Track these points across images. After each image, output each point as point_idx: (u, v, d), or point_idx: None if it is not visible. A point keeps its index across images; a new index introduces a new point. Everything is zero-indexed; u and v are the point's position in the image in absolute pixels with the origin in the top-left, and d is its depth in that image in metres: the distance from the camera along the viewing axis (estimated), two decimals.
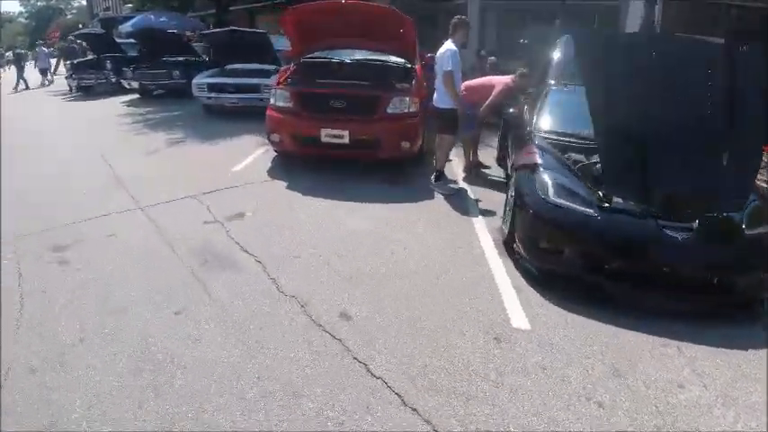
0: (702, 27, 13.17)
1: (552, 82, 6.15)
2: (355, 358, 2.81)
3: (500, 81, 6.24)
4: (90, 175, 6.17)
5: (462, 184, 6.09)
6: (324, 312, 3.22)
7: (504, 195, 5.69)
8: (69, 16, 64.82)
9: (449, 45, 5.54)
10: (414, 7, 17.66)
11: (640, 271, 3.55)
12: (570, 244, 3.69)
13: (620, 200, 3.72)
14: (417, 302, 3.42)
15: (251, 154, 7.11)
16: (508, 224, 4.36)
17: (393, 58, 7.22)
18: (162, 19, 18.10)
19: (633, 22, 13.61)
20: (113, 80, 14.25)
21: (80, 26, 30.46)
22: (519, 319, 3.30)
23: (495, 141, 7.52)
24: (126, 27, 18.31)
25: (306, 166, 6.29)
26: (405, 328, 3.13)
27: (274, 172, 6.22)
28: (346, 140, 5.81)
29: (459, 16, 5.70)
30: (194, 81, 9.92)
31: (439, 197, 5.59)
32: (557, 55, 7.26)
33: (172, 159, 6.98)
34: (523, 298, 3.56)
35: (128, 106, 12.16)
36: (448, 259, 4.09)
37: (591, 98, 3.75)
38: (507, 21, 16.59)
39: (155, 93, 13.44)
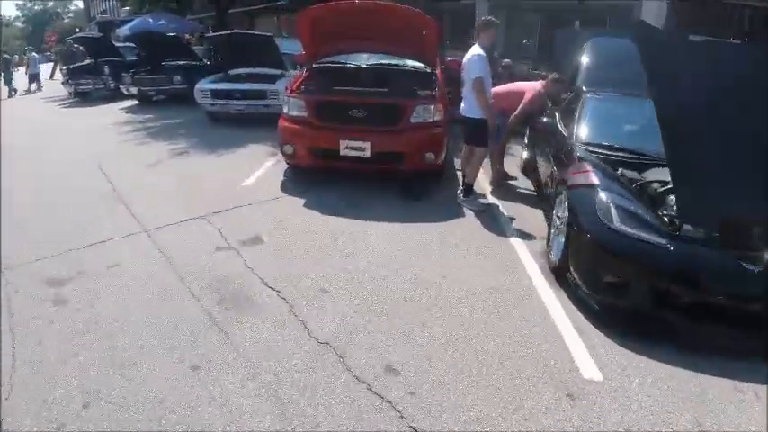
0: (708, 27, 12.73)
1: (584, 89, 5.74)
2: (413, 428, 2.34)
3: (530, 87, 5.80)
4: (87, 190, 5.68)
5: (492, 199, 5.64)
6: (366, 365, 2.76)
7: (538, 211, 5.30)
8: (66, 20, 64.27)
9: (475, 49, 5.11)
10: (417, 7, 17.24)
11: (713, 306, 3.15)
12: (638, 278, 3.27)
13: (689, 227, 3.30)
14: (471, 348, 2.97)
15: (260, 166, 6.64)
16: (558, 250, 3.92)
17: (411, 63, 6.77)
18: (161, 22, 17.61)
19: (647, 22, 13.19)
20: (111, 86, 13.76)
21: (77, 30, 29.85)
22: (588, 368, 2.87)
23: (517, 150, 7.10)
24: (124, 30, 17.86)
25: (321, 179, 5.83)
26: (463, 383, 2.67)
27: (288, 187, 5.76)
28: (367, 153, 5.35)
29: (485, 17, 5.26)
30: (197, 87, 9.44)
31: (469, 214, 5.14)
32: (585, 60, 6.84)
33: (175, 172, 6.51)
34: (587, 340, 3.13)
35: (126, 113, 11.68)
36: (494, 291, 3.63)
37: (662, 112, 3.28)
38: (516, 21, 16.17)
39: (154, 99, 12.95)
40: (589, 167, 3.97)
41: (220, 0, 20.82)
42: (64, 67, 16.26)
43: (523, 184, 6.32)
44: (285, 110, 5.68)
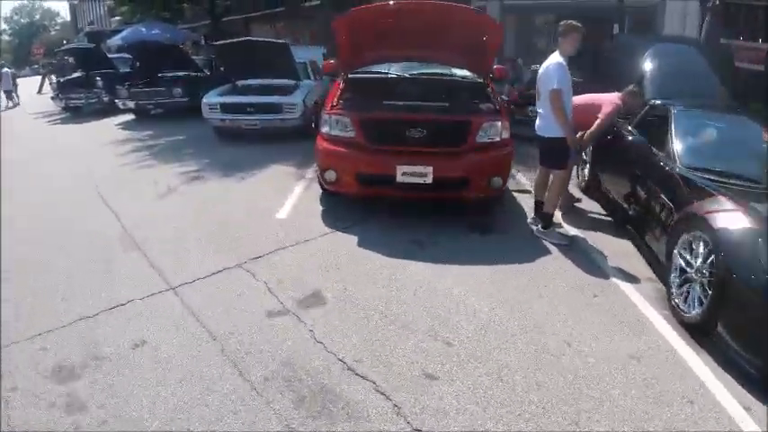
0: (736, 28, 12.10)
1: (664, 102, 5.04)
2: None
3: (608, 100, 4.99)
4: (91, 230, 4.69)
5: (570, 229, 4.80)
6: None
7: (623, 241, 4.52)
8: (53, 32, 62.80)
9: (554, 57, 4.32)
10: None
11: None
12: None
13: None
14: None
15: (290, 192, 5.74)
16: (695, 303, 3.15)
17: (459, 72, 5.93)
18: (154, 31, 16.66)
19: (671, 23, 12.56)
20: (105, 99, 12.71)
21: (64, 42, 28.54)
22: None
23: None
24: (115, 41, 16.86)
25: (366, 209, 4.96)
26: None
27: (331, 219, 4.86)
28: (429, 180, 4.48)
29: (567, 21, 4.44)
30: (204, 100, 8.51)
31: (553, 250, 4.30)
32: (649, 68, 6.13)
33: (193, 203, 5.56)
34: (757, 418, 2.44)
35: (124, 129, 10.68)
36: (634, 359, 2.85)
37: None
38: (528, 23, 15.48)
39: (152, 113, 11.98)
40: (736, 206, 3.18)
41: (215, 8, 19.95)
42: (54, 81, 15.21)
43: (589, 206, 5.52)
44: (326, 129, 4.79)
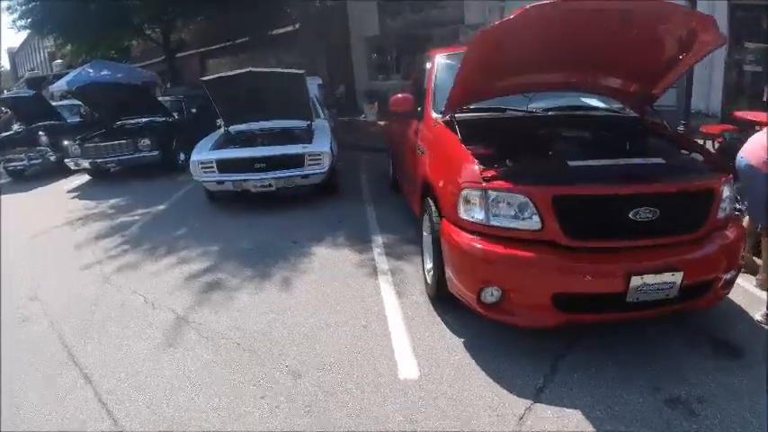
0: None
1: None
2: None
3: None
4: None
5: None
6: None
7: None
8: None
9: None
10: (402, 32, 14.66)
11: None
12: None
13: None
14: None
15: (380, 307, 3.52)
16: None
17: (596, 104, 4.02)
18: (103, 72, 14.08)
19: None
20: (52, 158, 10.08)
21: (5, 92, 24.99)
22: None
23: None
24: (59, 86, 14.11)
25: (529, 332, 2.91)
26: None
27: (500, 369, 2.70)
28: (676, 291, 2.50)
29: None
30: (194, 158, 6.19)
31: None
32: None
33: (232, 353, 3.12)
34: None
35: (79, 199, 8.11)
36: None
37: None
38: None
39: (112, 170, 9.50)
40: None
41: (169, 43, 17.53)
42: None
43: None
44: (476, 215, 2.68)
